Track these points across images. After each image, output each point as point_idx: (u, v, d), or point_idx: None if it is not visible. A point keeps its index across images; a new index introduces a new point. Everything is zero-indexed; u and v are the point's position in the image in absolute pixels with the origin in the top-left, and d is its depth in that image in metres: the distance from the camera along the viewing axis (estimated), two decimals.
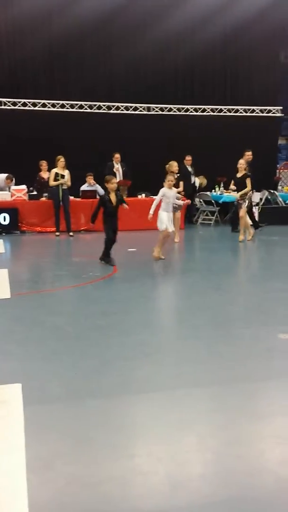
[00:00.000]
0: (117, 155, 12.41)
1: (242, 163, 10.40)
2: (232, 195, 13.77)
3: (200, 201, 14.19)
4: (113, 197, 8.18)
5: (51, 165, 11.78)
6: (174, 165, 10.15)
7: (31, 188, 12.60)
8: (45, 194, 12.20)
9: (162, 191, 8.64)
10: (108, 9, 13.96)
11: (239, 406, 3.41)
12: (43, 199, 12.26)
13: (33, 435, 2.99)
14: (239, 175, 10.59)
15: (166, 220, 8.50)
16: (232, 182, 11.18)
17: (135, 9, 14.34)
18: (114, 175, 11.65)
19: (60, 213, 11.70)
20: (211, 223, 13.60)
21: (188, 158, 13.38)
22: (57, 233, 11.66)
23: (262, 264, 8.99)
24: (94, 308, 5.80)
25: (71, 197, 12.31)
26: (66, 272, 8.00)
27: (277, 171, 17.05)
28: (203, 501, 2.46)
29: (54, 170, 11.54)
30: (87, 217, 12.34)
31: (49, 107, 14.09)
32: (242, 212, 10.58)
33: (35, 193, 12.50)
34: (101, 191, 12.85)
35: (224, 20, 14.97)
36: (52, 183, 11.54)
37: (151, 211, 8.48)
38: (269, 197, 14.24)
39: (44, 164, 12.42)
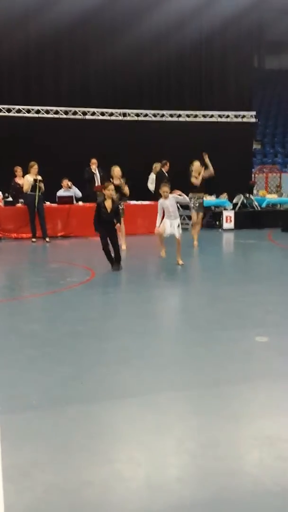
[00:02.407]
0: (94, 160, 12.41)
1: (198, 165, 10.30)
2: (209, 199, 13.91)
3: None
4: (108, 203, 7.92)
5: (27, 171, 11.70)
6: (114, 171, 9.82)
7: (6, 194, 12.51)
8: (21, 200, 12.12)
9: (159, 203, 8.45)
10: (82, 15, 13.96)
11: (217, 408, 3.43)
12: (19, 205, 12.17)
13: (9, 444, 2.95)
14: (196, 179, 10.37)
15: (167, 227, 8.29)
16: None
17: (110, 14, 14.41)
18: (93, 180, 11.69)
19: (36, 219, 11.64)
20: (188, 228, 13.66)
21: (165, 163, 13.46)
22: (34, 239, 11.58)
23: (239, 267, 9.06)
24: (72, 314, 5.77)
25: (48, 203, 12.28)
26: (43, 279, 7.94)
27: (252, 175, 17.25)
28: (183, 504, 2.46)
29: (28, 177, 11.47)
30: (64, 223, 12.33)
31: (24, 113, 14.01)
32: (195, 216, 10.40)
33: (10, 199, 12.40)
34: (78, 193, 12.83)
35: (198, 25, 15.16)
36: (26, 188, 11.46)
37: (157, 224, 8.42)
38: (245, 201, 14.40)
39: (19, 170, 12.33)
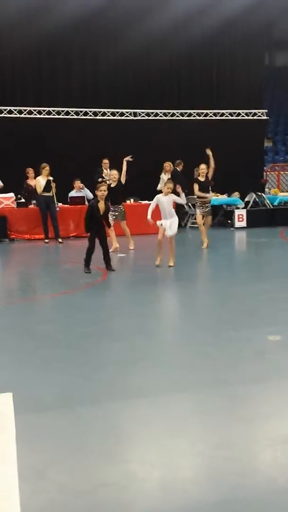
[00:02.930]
0: (106, 161, 12.41)
1: (203, 168, 10.26)
2: (220, 198, 13.88)
3: (189, 205, 14.24)
4: (101, 205, 7.93)
5: (39, 173, 11.77)
6: (112, 174, 9.78)
7: (19, 196, 12.59)
8: (34, 202, 12.20)
9: (156, 197, 8.36)
10: (89, 15, 13.97)
11: (229, 409, 3.44)
12: (31, 206, 12.26)
13: (25, 444, 2.99)
14: (201, 179, 10.23)
15: (167, 228, 8.16)
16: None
17: (118, 13, 14.40)
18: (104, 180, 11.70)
19: (48, 220, 11.71)
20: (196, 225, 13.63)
21: (180, 162, 13.45)
22: (46, 240, 11.65)
23: (251, 266, 9.04)
24: (84, 315, 5.80)
25: (60, 204, 12.35)
26: (55, 279, 7.99)
27: (264, 173, 17.16)
28: (196, 504, 2.48)
29: (40, 179, 11.54)
30: (76, 223, 12.37)
31: (35, 114, 14.09)
32: (199, 219, 10.37)
33: (23, 200, 12.49)
34: (90, 195, 12.86)
35: (208, 23, 15.08)
36: (40, 190, 11.53)
37: (148, 216, 8.28)
38: (257, 200, 14.34)
39: (31, 171, 12.41)
